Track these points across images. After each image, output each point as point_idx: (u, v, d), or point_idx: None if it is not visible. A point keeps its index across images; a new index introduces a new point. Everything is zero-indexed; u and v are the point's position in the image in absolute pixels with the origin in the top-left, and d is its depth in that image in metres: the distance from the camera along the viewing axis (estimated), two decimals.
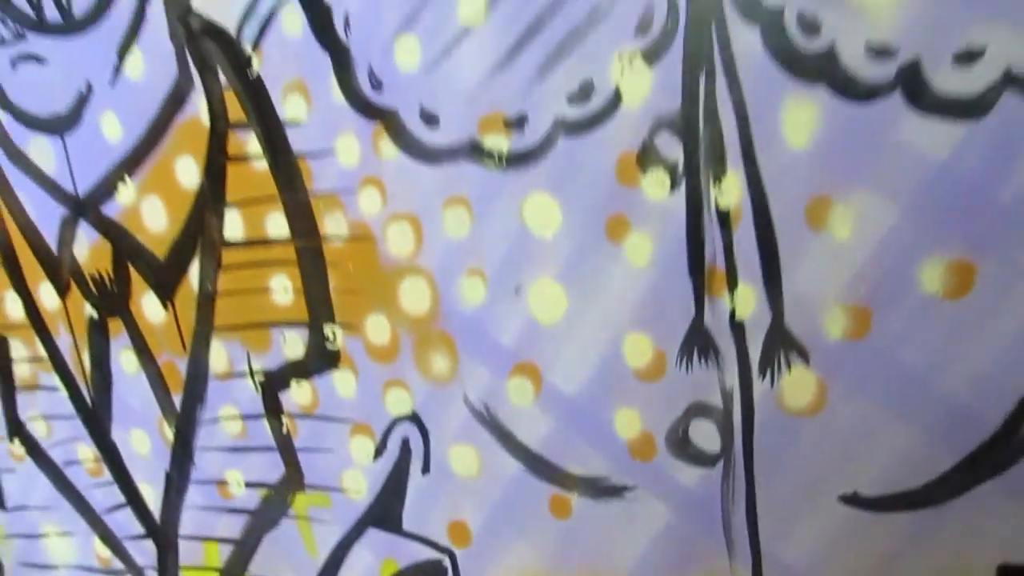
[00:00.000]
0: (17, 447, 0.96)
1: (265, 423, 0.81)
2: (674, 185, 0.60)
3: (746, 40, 0.56)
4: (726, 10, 0.56)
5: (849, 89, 0.54)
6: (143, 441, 0.88)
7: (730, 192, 0.58)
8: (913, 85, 0.52)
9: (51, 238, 0.85)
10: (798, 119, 0.55)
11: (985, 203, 0.52)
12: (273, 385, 0.79)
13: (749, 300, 0.60)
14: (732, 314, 0.61)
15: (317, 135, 0.70)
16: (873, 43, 0.52)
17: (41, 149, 0.83)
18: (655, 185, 0.60)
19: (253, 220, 0.75)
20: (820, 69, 0.54)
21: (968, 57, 0.51)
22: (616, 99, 0.60)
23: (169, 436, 0.86)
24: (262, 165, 0.73)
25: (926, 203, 0.54)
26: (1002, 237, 0.53)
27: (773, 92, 0.56)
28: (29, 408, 0.95)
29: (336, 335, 0.75)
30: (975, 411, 0.56)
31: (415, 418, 0.74)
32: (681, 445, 0.65)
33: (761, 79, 0.56)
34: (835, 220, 0.56)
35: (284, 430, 0.80)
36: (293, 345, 0.77)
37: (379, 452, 0.77)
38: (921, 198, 0.54)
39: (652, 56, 0.58)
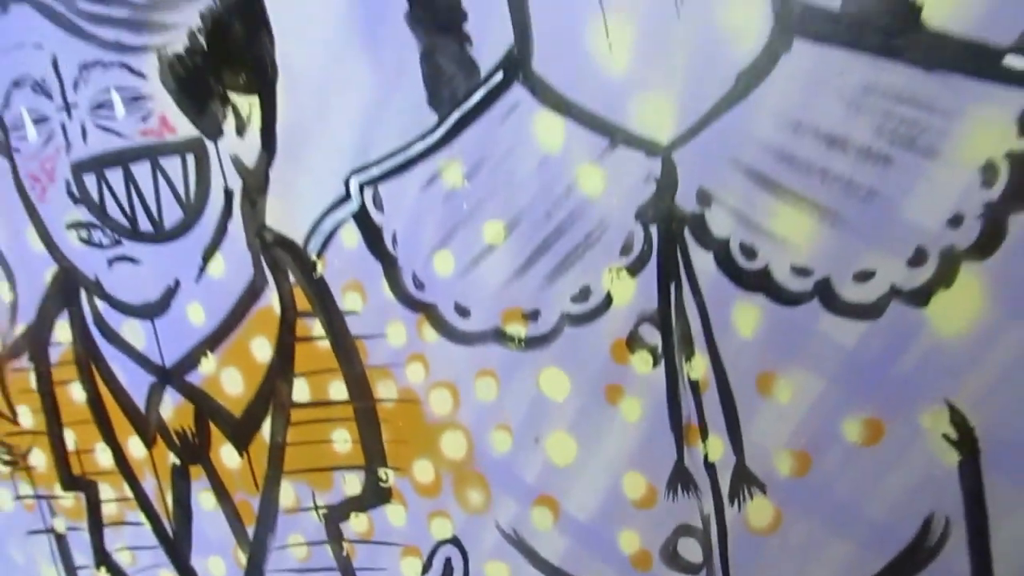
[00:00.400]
0: (103, 575, 1.11)
1: (328, 548, 0.97)
2: (656, 362, 0.79)
3: (703, 260, 0.75)
4: (687, 239, 0.75)
5: (781, 297, 0.73)
6: (219, 566, 1.04)
7: (698, 368, 0.77)
8: (826, 295, 0.71)
9: (140, 401, 1.02)
10: (745, 317, 0.75)
11: (884, 378, 0.71)
12: (335, 517, 0.96)
13: (718, 447, 0.78)
14: (705, 458, 0.79)
15: (371, 322, 0.88)
16: (796, 265, 0.72)
17: (133, 329, 1.00)
18: (641, 362, 0.79)
19: (317, 386, 0.93)
20: (759, 283, 0.73)
21: (864, 276, 0.70)
22: (608, 300, 0.79)
23: (243, 561, 1.02)
24: (325, 345, 0.91)
25: (843, 377, 0.73)
26: (900, 401, 0.72)
27: (725, 297, 0.75)
28: (115, 541, 1.10)
29: (388, 476, 0.92)
30: (894, 529, 0.74)
31: (456, 541, 0.91)
32: (672, 558, 0.83)
33: (716, 288, 0.75)
34: (778, 389, 0.75)
35: (344, 554, 0.97)
36: (352, 484, 0.94)
37: (426, 570, 0.93)
38: (839, 373, 0.73)
39: (634, 270, 0.77)
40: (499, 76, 0.78)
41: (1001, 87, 0.64)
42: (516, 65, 0.77)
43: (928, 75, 0.66)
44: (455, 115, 0.80)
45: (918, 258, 0.69)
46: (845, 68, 0.68)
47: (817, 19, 0.68)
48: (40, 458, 1.13)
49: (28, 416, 1.11)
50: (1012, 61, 0.64)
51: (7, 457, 1.15)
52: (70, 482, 1.10)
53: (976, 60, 0.65)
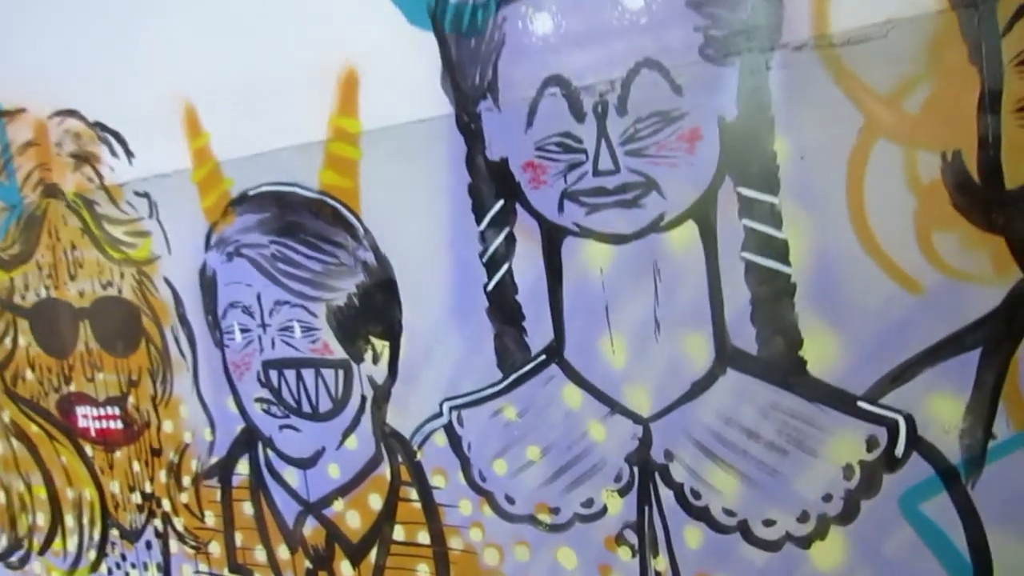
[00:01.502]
0: None
1: None
2: (633, 555, 1.17)
3: (667, 495, 1.13)
4: (657, 479, 1.13)
5: (716, 526, 1.10)
6: None
7: (661, 563, 1.15)
8: (745, 530, 1.08)
9: (290, 521, 1.47)
10: (692, 535, 1.12)
11: None
12: None
13: None
14: None
15: (449, 496, 1.30)
16: (726, 508, 1.09)
17: (290, 474, 1.46)
18: (624, 553, 1.17)
19: (410, 532, 1.35)
20: (702, 515, 1.11)
21: (769, 523, 1.07)
22: (604, 509, 1.18)
23: None
24: (417, 506, 1.33)
25: None
26: None
27: (680, 520, 1.12)
28: None
29: None
30: None
31: None
32: None
33: (674, 514, 1.13)
34: None
35: None
36: None
37: None
38: None
39: (622, 493, 1.16)
40: (543, 357, 1.19)
41: (856, 419, 1.01)
42: (554, 352, 1.18)
43: (811, 404, 1.03)
44: (513, 376, 1.22)
45: (803, 517, 1.06)
46: (759, 391, 1.06)
47: (742, 358, 1.06)
48: (216, 548, 1.60)
49: (212, 518, 1.59)
50: (862, 404, 1.00)
51: (194, 543, 1.62)
52: (235, 568, 1.56)
53: (841, 400, 1.02)
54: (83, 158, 1.57)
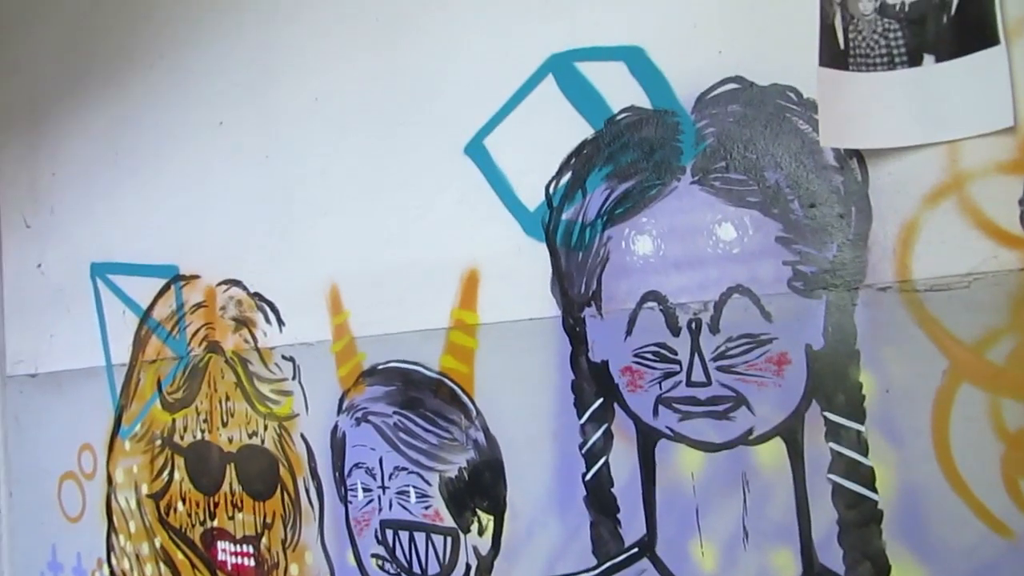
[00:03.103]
0: None
1: None
2: None
3: None
4: None
5: None
6: None
7: None
8: None
9: None
10: None
11: None
12: None
13: None
14: None
15: None
16: None
17: None
18: None
19: None
20: None
21: None
22: None
23: None
24: None
25: None
26: None
27: None
28: None
29: None
30: None
31: None
32: None
33: None
34: None
35: None
36: None
37: None
38: None
39: None
40: (635, 550, 1.25)
41: None
42: (646, 547, 1.24)
43: None
44: (606, 564, 1.28)
45: None
46: None
47: None
48: None
49: None
50: None
51: None
52: None
53: None
54: (242, 322, 1.81)
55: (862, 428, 1.06)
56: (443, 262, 1.47)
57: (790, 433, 1.12)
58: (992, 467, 0.97)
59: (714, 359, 1.17)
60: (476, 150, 1.45)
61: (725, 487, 1.17)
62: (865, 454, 1.06)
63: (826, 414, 1.09)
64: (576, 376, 1.32)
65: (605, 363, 1.28)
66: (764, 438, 1.14)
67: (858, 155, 1.07)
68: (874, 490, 1.05)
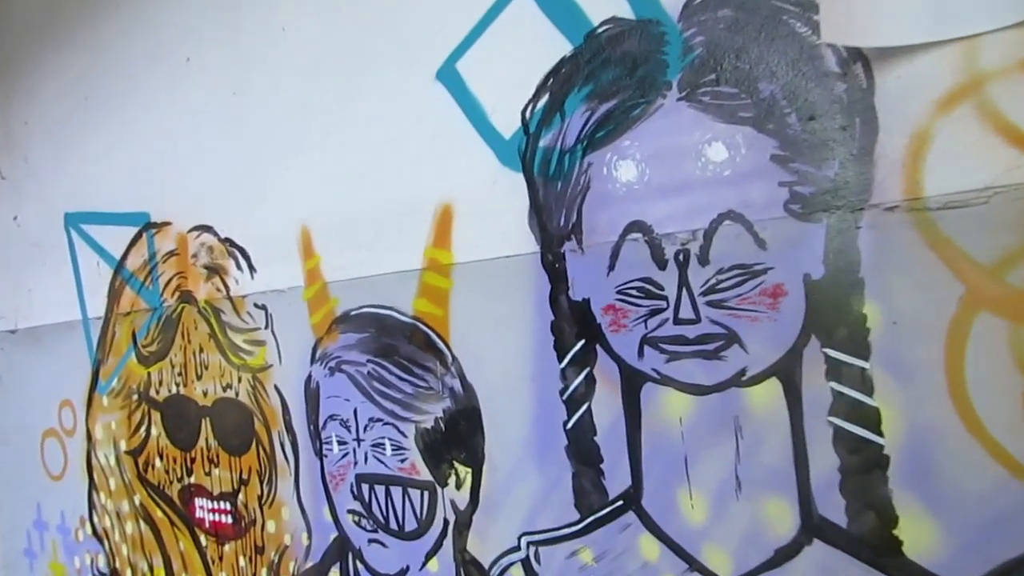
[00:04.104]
0: None
1: None
2: None
3: None
4: None
5: None
6: None
7: None
8: None
9: None
10: None
11: None
12: None
13: None
14: None
15: None
16: None
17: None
18: None
19: None
20: None
21: None
22: None
23: None
24: None
25: None
26: None
27: None
28: None
29: None
30: None
31: None
32: None
33: None
34: None
35: None
36: None
37: None
38: None
39: None
40: (620, 503, 1.16)
41: None
42: (631, 499, 1.15)
43: None
44: (589, 519, 1.19)
45: None
46: (849, 568, 0.97)
47: (831, 530, 0.98)
48: None
49: None
50: None
51: None
52: None
53: None
54: (214, 270, 1.71)
55: (866, 365, 0.95)
56: (416, 199, 1.36)
57: (786, 372, 1.01)
58: (1012, 405, 0.86)
59: (703, 293, 1.06)
60: (449, 75, 1.33)
61: (716, 433, 1.07)
62: (870, 394, 0.95)
63: (826, 350, 0.98)
64: (556, 317, 1.21)
65: (586, 301, 1.18)
66: (758, 379, 1.03)
67: (863, 59, 0.95)
68: (879, 433, 0.95)
